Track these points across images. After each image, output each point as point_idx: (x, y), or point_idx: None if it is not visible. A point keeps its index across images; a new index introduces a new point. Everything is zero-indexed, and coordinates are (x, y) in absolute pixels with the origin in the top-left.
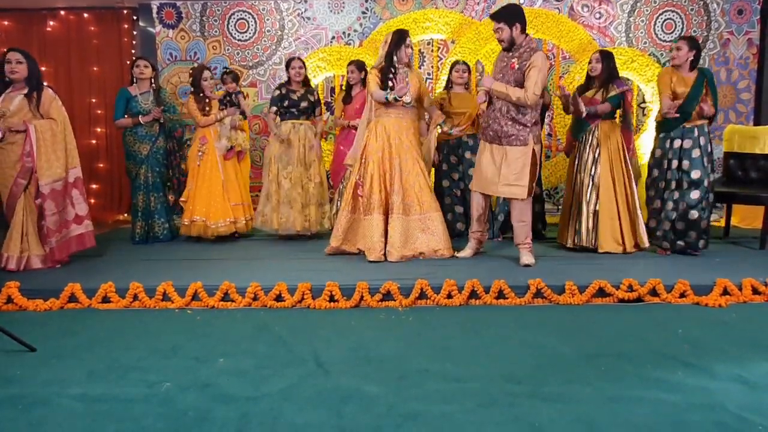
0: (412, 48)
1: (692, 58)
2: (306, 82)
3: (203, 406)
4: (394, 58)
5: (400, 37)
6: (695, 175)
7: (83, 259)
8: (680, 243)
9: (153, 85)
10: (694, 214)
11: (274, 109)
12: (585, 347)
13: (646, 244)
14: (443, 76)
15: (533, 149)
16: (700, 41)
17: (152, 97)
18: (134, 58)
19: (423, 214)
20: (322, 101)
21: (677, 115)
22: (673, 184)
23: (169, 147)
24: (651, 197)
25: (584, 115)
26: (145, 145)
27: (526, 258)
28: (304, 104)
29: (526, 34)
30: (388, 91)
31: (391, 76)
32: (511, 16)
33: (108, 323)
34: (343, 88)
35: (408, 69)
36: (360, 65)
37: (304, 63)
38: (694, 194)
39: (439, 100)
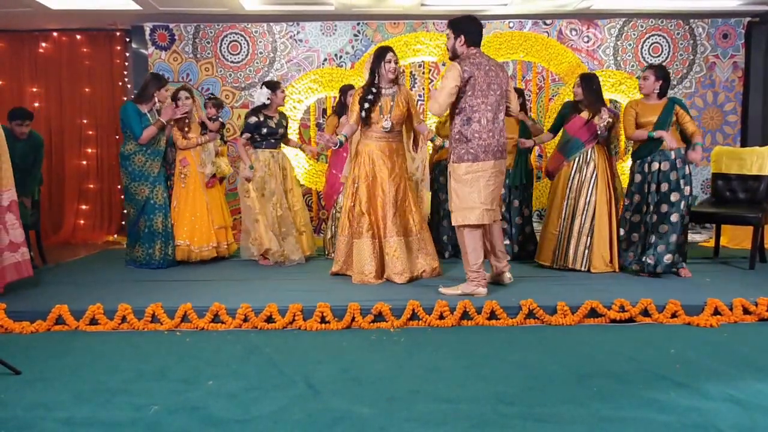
0: (396, 63)
1: (659, 87)
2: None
3: (192, 429)
4: (377, 75)
5: (380, 53)
6: (674, 197)
7: (72, 280)
8: (658, 267)
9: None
10: (674, 236)
11: (248, 135)
12: (577, 368)
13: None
14: None
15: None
16: (687, 64)
17: (157, 116)
18: (169, 87)
19: (418, 234)
20: (313, 123)
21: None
22: (652, 207)
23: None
24: (636, 223)
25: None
26: (156, 163)
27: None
28: (281, 130)
29: (472, 47)
30: (342, 135)
31: (373, 93)
32: (457, 26)
33: (95, 345)
34: (335, 111)
35: (396, 87)
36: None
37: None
38: (674, 217)
39: (435, 122)
